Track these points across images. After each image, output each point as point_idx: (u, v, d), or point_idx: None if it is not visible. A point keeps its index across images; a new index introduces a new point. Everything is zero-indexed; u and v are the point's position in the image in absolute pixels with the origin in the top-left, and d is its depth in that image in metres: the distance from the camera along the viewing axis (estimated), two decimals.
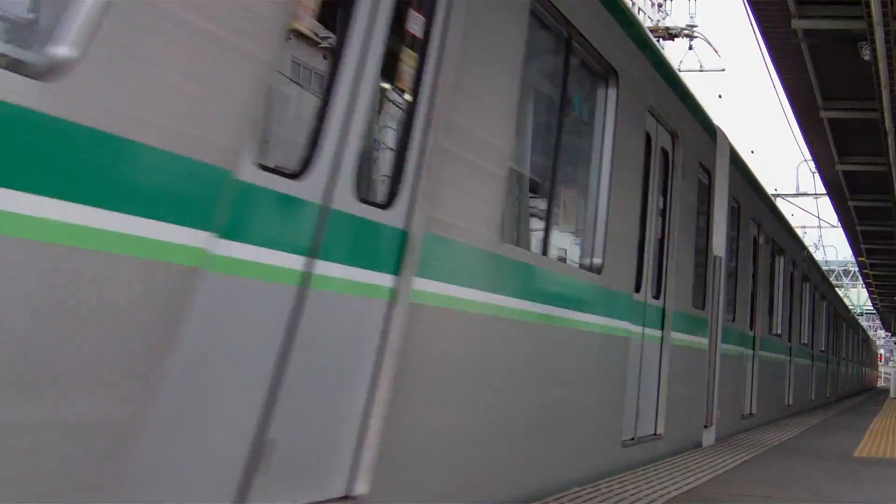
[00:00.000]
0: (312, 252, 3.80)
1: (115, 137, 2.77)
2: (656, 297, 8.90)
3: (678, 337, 9.49)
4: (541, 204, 6.33)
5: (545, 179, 6.42)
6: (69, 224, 2.64)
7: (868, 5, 9.69)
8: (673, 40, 24.15)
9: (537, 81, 6.42)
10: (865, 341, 54.08)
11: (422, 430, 4.65)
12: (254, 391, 3.57)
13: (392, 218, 4.33)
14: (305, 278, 3.77)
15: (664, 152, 9.04)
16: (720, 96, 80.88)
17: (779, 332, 16.96)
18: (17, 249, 2.52)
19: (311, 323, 3.81)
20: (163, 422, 3.11)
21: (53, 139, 2.60)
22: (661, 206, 9.26)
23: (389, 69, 4.34)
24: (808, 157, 23.19)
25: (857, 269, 47.62)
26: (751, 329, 14.20)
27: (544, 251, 6.15)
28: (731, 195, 11.90)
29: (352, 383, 4.16)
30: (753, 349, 14.35)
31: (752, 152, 61.87)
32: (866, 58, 11.49)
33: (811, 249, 32.73)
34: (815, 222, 42.21)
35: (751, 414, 14.40)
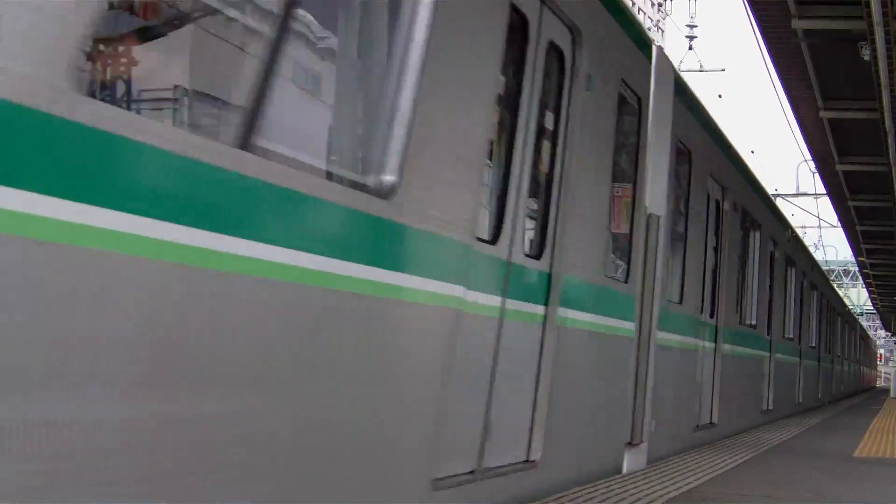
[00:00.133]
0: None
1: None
2: (536, 256, 6.13)
3: (577, 317, 6.62)
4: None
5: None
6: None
7: (868, 5, 9.69)
8: None
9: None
10: (864, 339, 52.06)
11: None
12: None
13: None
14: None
15: (556, 51, 6.26)
16: (720, 96, 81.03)
17: (752, 322, 14.48)
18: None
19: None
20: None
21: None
22: (547, 126, 6.33)
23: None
24: (808, 157, 23.21)
25: (857, 268, 47.63)
26: (711, 317, 11.44)
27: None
28: (676, 138, 9.05)
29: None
30: (715, 342, 11.63)
31: (752, 152, 61.84)
32: (866, 58, 11.49)
33: (811, 249, 32.69)
34: (815, 222, 42.22)
35: (711, 423, 11.53)
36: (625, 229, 8.02)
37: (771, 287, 15.90)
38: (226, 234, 3.29)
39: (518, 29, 5.66)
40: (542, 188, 6.30)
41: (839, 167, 19.75)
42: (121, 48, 3.64)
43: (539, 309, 6.18)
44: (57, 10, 2.68)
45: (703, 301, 10.91)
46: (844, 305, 37.90)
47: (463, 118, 4.93)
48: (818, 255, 46.80)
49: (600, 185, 7.11)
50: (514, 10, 5.50)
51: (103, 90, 3.51)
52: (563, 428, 6.57)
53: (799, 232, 27.76)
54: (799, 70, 14.58)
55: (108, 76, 3.57)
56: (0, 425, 2.56)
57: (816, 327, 23.68)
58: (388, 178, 4.32)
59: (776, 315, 16.48)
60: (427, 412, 4.77)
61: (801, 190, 35.42)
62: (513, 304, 5.75)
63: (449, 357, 4.90)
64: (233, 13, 4.02)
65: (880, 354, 75.39)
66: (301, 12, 4.02)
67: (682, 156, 9.86)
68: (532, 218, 6.24)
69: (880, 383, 65.82)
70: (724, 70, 37.31)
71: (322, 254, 3.84)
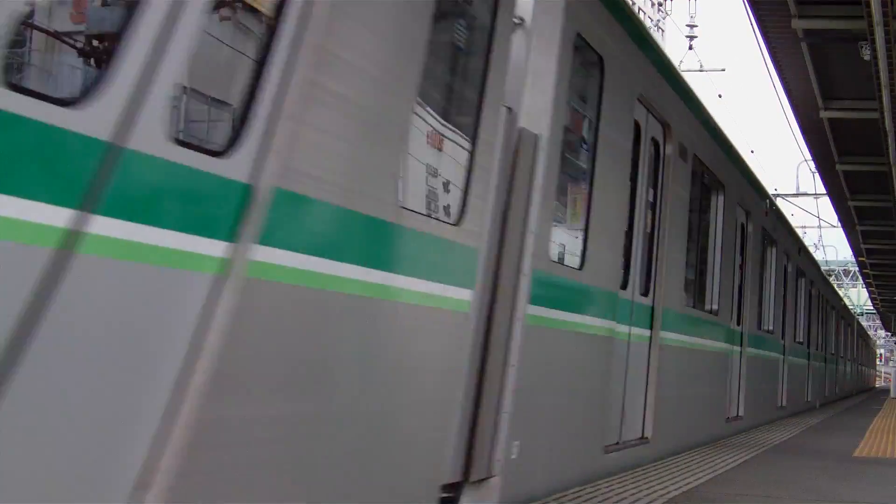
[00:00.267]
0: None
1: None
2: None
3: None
4: None
5: None
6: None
7: (868, 5, 9.69)
8: None
9: None
10: (862, 336, 49.59)
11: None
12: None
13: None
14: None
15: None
16: (720, 96, 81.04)
17: (713, 308, 11.32)
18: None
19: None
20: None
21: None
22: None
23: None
24: (808, 157, 23.21)
25: (857, 268, 47.61)
26: (636, 293, 8.36)
27: None
28: (573, 30, 6.31)
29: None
30: (648, 328, 8.65)
31: (752, 152, 61.87)
32: (866, 58, 11.49)
33: (811, 249, 32.58)
34: (815, 222, 42.21)
35: (643, 438, 8.65)
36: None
37: (742, 267, 13.01)
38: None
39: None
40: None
41: (839, 167, 19.75)
42: None
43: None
44: None
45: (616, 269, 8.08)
46: (840, 299, 34.51)
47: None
48: (818, 256, 46.82)
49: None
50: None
51: None
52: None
53: (799, 232, 27.69)
54: (799, 70, 14.58)
55: None
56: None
57: (805, 321, 20.91)
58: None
59: (750, 302, 13.76)
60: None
61: (802, 190, 35.42)
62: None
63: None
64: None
65: (880, 354, 75.34)
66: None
67: (589, 62, 7.13)
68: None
69: (879, 383, 65.75)
70: (724, 70, 37.41)
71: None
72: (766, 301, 15.56)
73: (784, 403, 17.77)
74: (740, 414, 13.31)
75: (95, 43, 4.21)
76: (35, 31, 4.50)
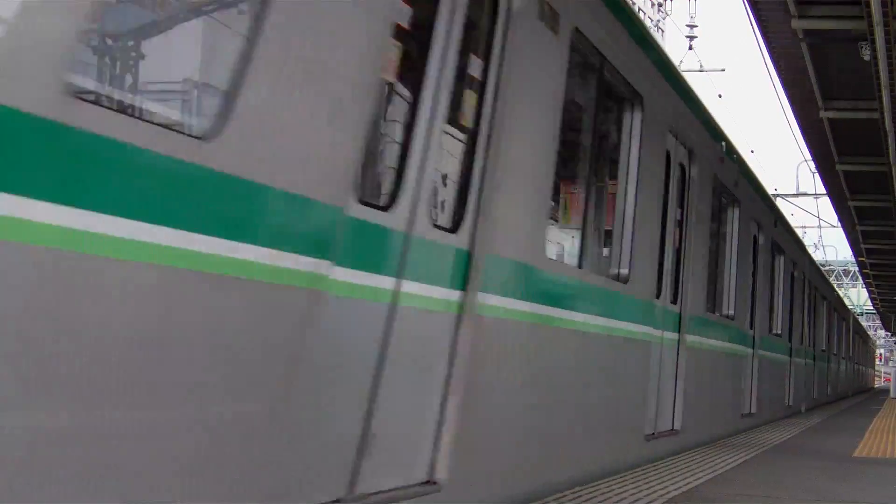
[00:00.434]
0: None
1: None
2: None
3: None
4: None
5: None
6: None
7: (868, 5, 9.69)
8: None
9: None
10: (859, 333, 46.85)
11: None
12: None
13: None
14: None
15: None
16: (720, 96, 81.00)
17: (665, 297, 9.11)
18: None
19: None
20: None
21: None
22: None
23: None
24: (808, 157, 23.21)
25: (857, 269, 47.61)
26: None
27: None
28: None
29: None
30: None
31: (752, 152, 61.87)
32: (866, 58, 11.49)
33: (811, 249, 32.48)
34: (815, 222, 42.19)
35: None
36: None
37: (684, 224, 9.84)
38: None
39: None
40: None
41: (839, 167, 19.75)
42: None
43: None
44: None
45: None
46: (833, 289, 30.86)
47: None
48: (818, 256, 46.83)
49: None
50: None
51: None
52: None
53: (799, 232, 27.58)
54: (799, 70, 14.58)
55: None
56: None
57: (785, 309, 17.27)
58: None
59: (717, 287, 11.71)
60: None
61: (801, 190, 35.46)
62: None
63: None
64: None
65: (880, 354, 75.24)
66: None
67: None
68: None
69: (878, 383, 65.57)
70: (724, 70, 37.42)
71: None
72: (729, 281, 12.38)
73: (752, 409, 14.24)
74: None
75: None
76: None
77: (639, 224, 7.90)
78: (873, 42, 10.65)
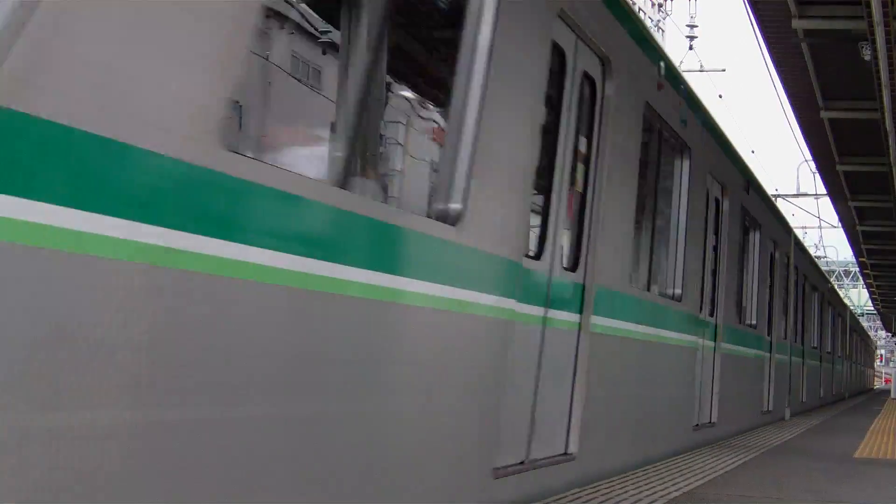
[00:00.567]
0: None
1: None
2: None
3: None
4: None
5: None
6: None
7: (868, 5, 9.67)
8: None
9: None
10: (857, 331, 43.40)
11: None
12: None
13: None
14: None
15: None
16: (720, 96, 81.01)
17: (611, 279, 7.61)
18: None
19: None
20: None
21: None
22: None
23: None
24: (809, 157, 23.18)
25: (857, 269, 47.58)
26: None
27: None
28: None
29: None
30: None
31: (753, 152, 61.90)
32: (866, 58, 11.47)
33: (811, 250, 32.41)
34: (816, 222, 42.18)
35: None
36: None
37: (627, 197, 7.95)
38: None
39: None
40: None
41: (839, 167, 19.74)
42: None
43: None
44: None
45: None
46: (826, 280, 27.35)
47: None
48: (818, 256, 46.78)
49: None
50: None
51: None
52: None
53: (799, 233, 27.47)
54: (799, 70, 14.57)
55: None
56: None
57: (761, 296, 14.71)
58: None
59: (661, 261, 9.63)
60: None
61: (802, 190, 35.40)
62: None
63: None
64: None
65: (880, 355, 75.17)
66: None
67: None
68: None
69: (877, 384, 65.42)
70: (724, 70, 37.33)
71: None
72: (679, 256, 9.95)
73: (712, 419, 11.49)
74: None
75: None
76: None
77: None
78: (873, 42, 10.63)
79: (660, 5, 34.55)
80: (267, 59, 4.20)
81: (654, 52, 8.33)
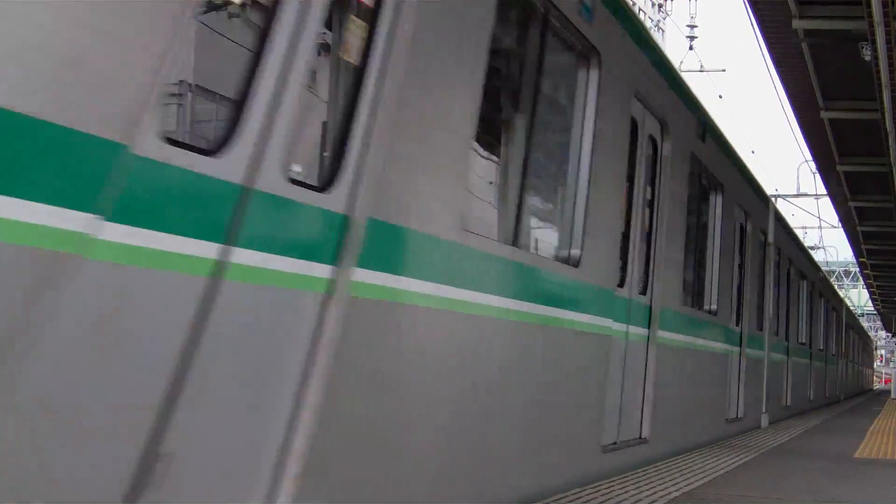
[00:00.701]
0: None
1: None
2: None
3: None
4: None
5: None
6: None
7: (868, 5, 9.67)
8: None
9: None
10: (854, 328, 39.64)
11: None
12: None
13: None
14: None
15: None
16: (720, 96, 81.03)
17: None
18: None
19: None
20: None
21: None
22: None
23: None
24: (809, 157, 23.19)
25: (857, 269, 47.56)
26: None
27: None
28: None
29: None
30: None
31: (753, 152, 61.91)
32: (867, 58, 11.47)
33: (811, 250, 32.41)
34: (816, 222, 42.14)
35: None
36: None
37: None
38: None
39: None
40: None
41: (840, 167, 19.74)
42: None
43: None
44: None
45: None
46: (817, 269, 24.64)
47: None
48: (818, 256, 46.75)
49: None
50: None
51: None
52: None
53: (799, 233, 27.38)
54: (799, 70, 14.57)
55: None
56: None
57: (724, 275, 11.87)
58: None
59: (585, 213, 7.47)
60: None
61: (802, 190, 35.36)
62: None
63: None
64: None
65: (880, 356, 75.08)
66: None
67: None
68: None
69: (876, 384, 65.20)
70: (724, 70, 37.36)
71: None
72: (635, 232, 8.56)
73: (643, 434, 8.69)
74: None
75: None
76: None
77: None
78: (874, 42, 10.63)
79: (660, 5, 34.55)
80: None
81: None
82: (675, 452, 9.71)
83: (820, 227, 41.35)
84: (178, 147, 3.10)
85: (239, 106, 3.39)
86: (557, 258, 6.52)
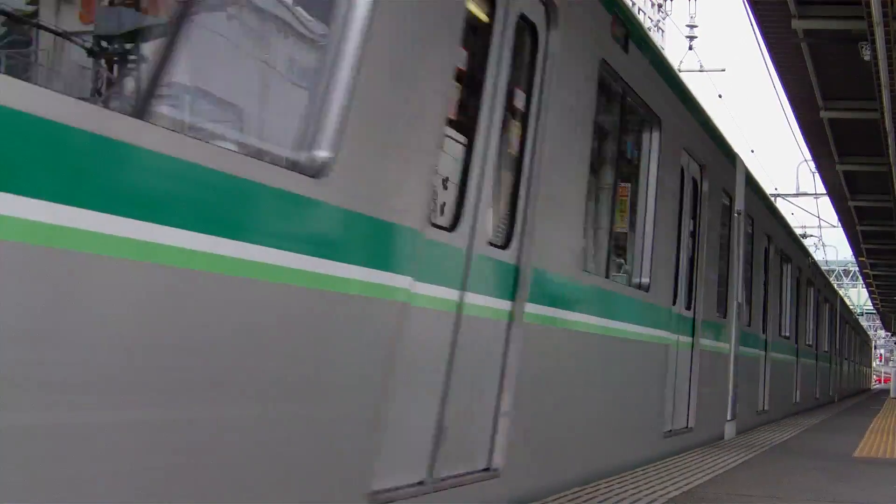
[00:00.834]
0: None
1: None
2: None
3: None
4: None
5: None
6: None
7: (868, 5, 9.69)
8: None
9: None
10: (849, 322, 37.11)
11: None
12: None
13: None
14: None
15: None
16: (720, 96, 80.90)
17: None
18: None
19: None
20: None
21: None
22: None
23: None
24: (809, 157, 23.21)
25: (857, 269, 47.61)
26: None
27: None
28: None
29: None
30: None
31: (753, 152, 61.82)
32: (866, 58, 11.50)
33: (811, 250, 32.40)
34: (816, 222, 42.17)
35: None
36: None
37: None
38: None
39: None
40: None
41: (839, 167, 19.77)
42: None
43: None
44: None
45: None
46: (806, 254, 21.56)
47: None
48: (818, 256, 46.77)
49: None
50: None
51: None
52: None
53: (798, 232, 27.39)
54: (799, 70, 14.60)
55: None
56: None
57: (664, 243, 8.98)
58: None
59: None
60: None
61: (802, 190, 35.43)
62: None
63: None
64: None
65: (880, 355, 75.09)
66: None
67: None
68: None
69: (875, 384, 65.10)
70: (724, 70, 37.43)
71: None
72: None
73: (492, 463, 5.70)
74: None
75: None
76: None
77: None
78: (873, 42, 10.65)
79: (660, 5, 34.56)
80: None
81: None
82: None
83: (819, 227, 41.38)
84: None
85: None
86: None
